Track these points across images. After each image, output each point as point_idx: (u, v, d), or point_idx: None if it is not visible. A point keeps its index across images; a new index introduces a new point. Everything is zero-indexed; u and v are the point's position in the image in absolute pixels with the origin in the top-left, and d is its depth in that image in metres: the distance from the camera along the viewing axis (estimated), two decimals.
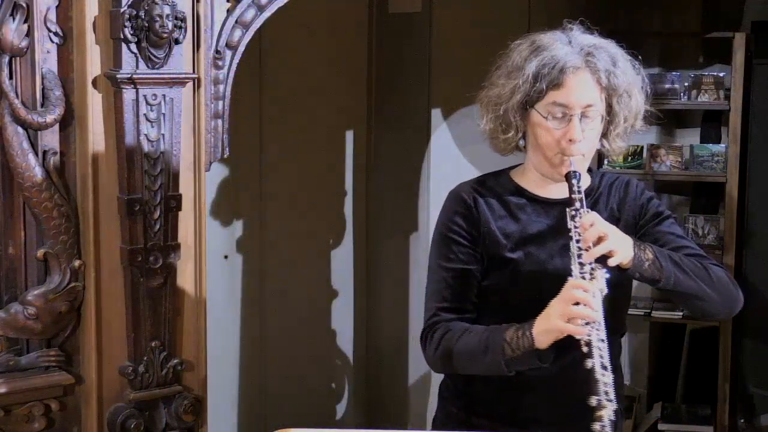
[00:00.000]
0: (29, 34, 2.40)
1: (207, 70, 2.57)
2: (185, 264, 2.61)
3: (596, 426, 1.89)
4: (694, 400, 4.55)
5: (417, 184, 4.05)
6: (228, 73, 2.62)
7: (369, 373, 4.26)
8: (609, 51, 2.16)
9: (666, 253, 2.08)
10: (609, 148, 2.20)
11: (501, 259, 2.13)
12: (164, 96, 2.47)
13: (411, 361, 4.20)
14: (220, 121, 2.62)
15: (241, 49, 2.63)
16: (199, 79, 2.56)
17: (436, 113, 4.05)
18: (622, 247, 1.99)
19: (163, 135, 2.49)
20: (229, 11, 2.60)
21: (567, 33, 2.19)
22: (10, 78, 2.40)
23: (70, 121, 2.49)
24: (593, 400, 1.89)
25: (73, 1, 2.44)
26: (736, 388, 4.31)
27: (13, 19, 2.37)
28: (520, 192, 2.20)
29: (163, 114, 2.48)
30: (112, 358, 2.57)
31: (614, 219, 2.17)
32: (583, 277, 1.95)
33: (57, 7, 2.44)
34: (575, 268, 1.97)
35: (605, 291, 1.95)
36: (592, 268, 1.95)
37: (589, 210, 2.04)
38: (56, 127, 2.46)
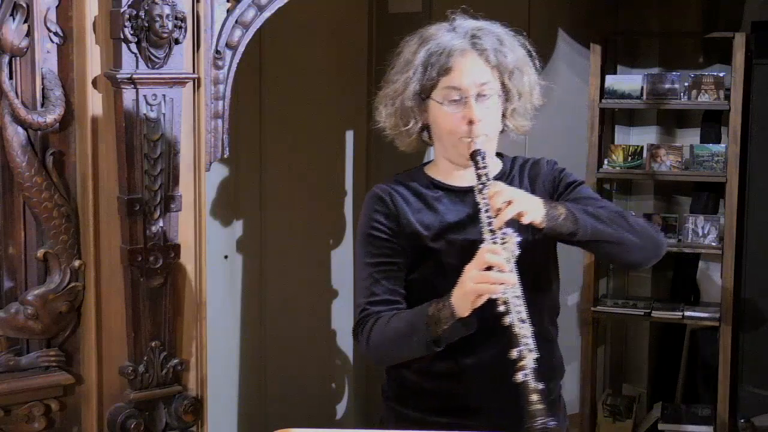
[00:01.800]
0: (29, 34, 2.40)
1: (207, 70, 2.57)
2: (185, 264, 2.61)
3: (519, 375, 1.93)
4: (694, 400, 4.55)
5: None
6: (228, 73, 2.62)
7: (369, 373, 4.26)
8: (494, 31, 2.19)
9: (579, 207, 2.10)
10: (512, 126, 2.24)
11: (423, 249, 2.16)
12: (164, 96, 2.47)
13: None
14: (220, 121, 2.62)
15: (241, 49, 2.63)
16: (199, 79, 2.56)
17: None
18: (531, 207, 2.01)
19: (163, 135, 2.49)
20: (229, 11, 2.60)
21: (451, 22, 2.22)
22: (10, 78, 2.40)
23: (70, 121, 2.49)
24: (514, 353, 1.94)
25: (73, 1, 2.44)
26: (736, 388, 4.32)
27: (13, 19, 2.38)
28: (435, 184, 2.23)
29: (163, 114, 2.48)
30: (112, 358, 2.57)
31: None
32: (495, 243, 1.99)
33: (57, 7, 2.44)
34: (487, 236, 2.01)
35: (516, 253, 1.98)
36: (504, 234, 1.99)
37: (495, 181, 2.08)
38: (56, 127, 2.46)
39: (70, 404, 2.59)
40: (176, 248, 2.57)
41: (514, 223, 2.02)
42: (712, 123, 4.50)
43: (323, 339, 4.17)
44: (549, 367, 2.21)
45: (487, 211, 2.02)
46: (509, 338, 1.99)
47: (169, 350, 2.61)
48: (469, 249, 2.07)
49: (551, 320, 2.26)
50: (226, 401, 3.86)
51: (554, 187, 2.23)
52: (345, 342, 4.22)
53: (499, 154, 2.28)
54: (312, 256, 4.07)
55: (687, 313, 4.39)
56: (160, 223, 2.52)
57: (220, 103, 2.61)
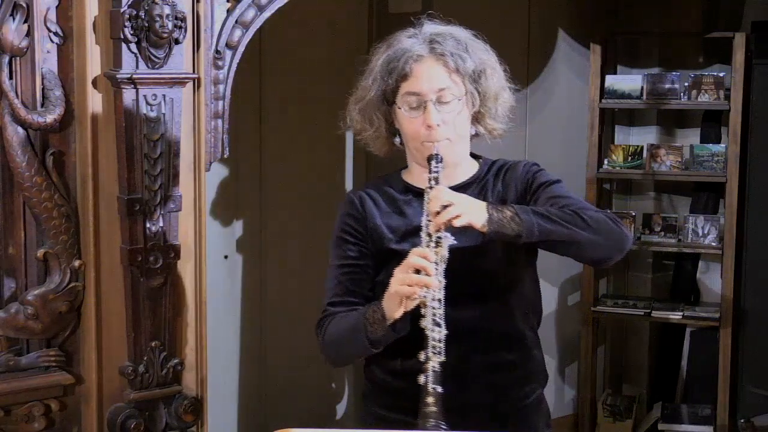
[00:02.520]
0: (29, 34, 2.40)
1: (207, 70, 2.57)
2: (185, 264, 2.61)
3: (421, 378, 1.94)
4: (694, 400, 4.55)
5: None
6: (228, 73, 2.62)
7: None
8: (455, 36, 2.19)
9: (531, 208, 2.08)
10: (484, 130, 2.25)
11: (388, 252, 2.18)
12: (164, 96, 2.47)
13: None
14: (220, 121, 2.62)
15: (241, 49, 2.63)
16: (199, 79, 2.56)
17: None
18: (469, 211, 2.01)
19: (163, 135, 2.49)
20: (229, 11, 2.60)
21: (417, 27, 2.24)
22: (10, 78, 2.40)
23: (70, 121, 2.49)
24: (422, 355, 1.95)
25: (73, 1, 2.44)
26: (736, 388, 4.32)
27: (13, 19, 2.37)
28: (407, 188, 2.26)
29: (163, 114, 2.48)
30: (112, 358, 2.57)
31: (501, 201, 2.20)
32: (429, 246, 2.00)
33: (57, 7, 2.44)
34: (424, 239, 2.02)
35: (446, 257, 1.99)
36: (439, 237, 2.00)
37: (439, 186, 2.09)
38: (56, 127, 2.46)
39: (70, 404, 2.59)
40: (176, 248, 2.57)
41: (468, 229, 2.03)
42: (712, 123, 4.50)
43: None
44: (524, 371, 2.22)
45: (428, 214, 2.03)
46: (475, 341, 2.06)
47: (169, 350, 2.61)
48: None
49: (526, 323, 2.24)
50: (226, 401, 3.86)
51: (526, 188, 2.22)
52: None
53: (477, 157, 2.29)
54: (312, 257, 4.06)
55: (687, 313, 4.40)
56: (160, 223, 2.52)
57: (220, 103, 2.61)
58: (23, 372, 2.51)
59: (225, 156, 2.67)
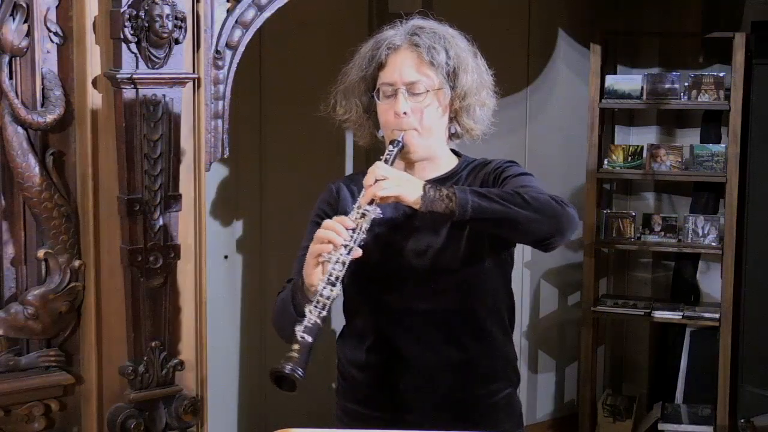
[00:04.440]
0: (29, 34, 2.40)
1: (207, 70, 2.57)
2: (185, 264, 2.61)
3: (297, 327, 1.94)
4: (694, 400, 4.55)
5: None
6: (228, 73, 2.62)
7: None
8: (437, 31, 2.20)
9: (470, 188, 2.07)
10: (461, 129, 2.24)
11: None
12: (164, 96, 2.47)
13: None
14: (220, 121, 2.62)
15: (241, 49, 2.63)
16: (199, 79, 2.56)
17: None
18: (402, 186, 2.02)
19: (163, 135, 2.49)
20: (229, 11, 2.60)
21: (405, 20, 2.25)
22: (10, 78, 2.40)
23: (70, 121, 2.49)
24: (306, 307, 1.96)
25: (73, 1, 2.44)
26: (736, 388, 4.32)
27: (13, 19, 2.37)
28: None
29: (163, 114, 2.48)
30: (112, 358, 2.57)
31: None
32: (354, 215, 2.02)
33: (57, 7, 2.44)
34: (353, 209, 2.04)
35: (365, 228, 2.01)
36: (365, 210, 2.01)
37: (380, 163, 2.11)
38: (56, 127, 2.46)
39: (70, 404, 2.59)
40: (176, 248, 2.57)
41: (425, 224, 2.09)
42: (712, 123, 4.50)
43: (323, 339, 4.16)
44: (487, 368, 2.22)
45: (364, 188, 2.05)
46: (435, 337, 2.12)
47: (169, 350, 2.61)
48: (392, 243, 2.16)
49: (493, 321, 2.22)
50: (226, 401, 3.86)
51: (494, 181, 2.21)
52: None
53: (459, 156, 2.29)
54: None
55: (687, 313, 4.40)
56: (160, 223, 2.52)
57: (220, 103, 2.61)
58: (23, 372, 2.51)
59: (225, 156, 2.67)
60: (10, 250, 2.49)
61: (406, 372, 2.19)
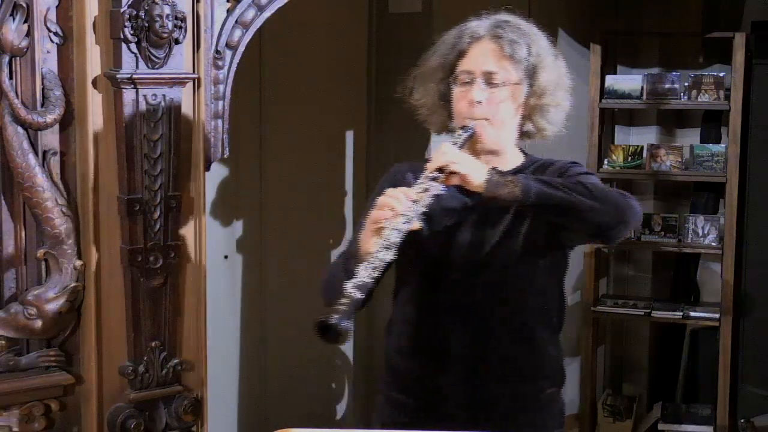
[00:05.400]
0: (29, 34, 2.40)
1: (207, 70, 2.57)
2: (185, 264, 2.61)
3: (348, 283, 1.92)
4: (694, 400, 4.55)
5: None
6: (228, 73, 2.62)
7: (369, 373, 4.26)
8: (521, 26, 2.21)
9: (536, 177, 2.10)
10: (533, 128, 2.24)
11: None
12: (164, 96, 2.47)
13: None
14: (220, 121, 2.62)
15: (241, 49, 2.63)
16: (199, 79, 2.56)
17: None
18: (469, 167, 2.04)
19: (163, 135, 2.49)
20: (229, 11, 2.60)
21: (492, 13, 2.25)
22: (10, 78, 2.40)
23: (70, 121, 2.49)
24: (359, 267, 1.95)
25: (73, 1, 2.44)
26: (736, 388, 4.32)
27: (13, 19, 2.37)
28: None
29: (163, 114, 2.48)
30: (112, 358, 2.57)
31: None
32: (417, 190, 2.03)
33: (57, 7, 2.44)
34: (416, 184, 2.05)
35: (426, 203, 2.01)
36: (429, 184, 2.02)
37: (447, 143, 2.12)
38: (56, 127, 2.46)
39: (70, 404, 2.58)
40: (176, 248, 2.57)
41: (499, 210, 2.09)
42: (712, 123, 4.50)
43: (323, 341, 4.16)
44: (530, 365, 2.22)
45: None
46: (482, 331, 2.12)
47: (169, 350, 2.61)
48: (448, 234, 2.15)
49: (541, 320, 2.23)
50: (226, 401, 3.86)
51: (559, 177, 2.20)
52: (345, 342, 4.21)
53: (524, 153, 2.29)
54: (312, 256, 4.07)
55: (687, 313, 4.39)
56: (160, 223, 2.52)
57: (220, 103, 2.61)
58: (23, 372, 2.51)
59: (225, 156, 2.67)
60: (10, 250, 2.49)
61: (448, 363, 2.19)
